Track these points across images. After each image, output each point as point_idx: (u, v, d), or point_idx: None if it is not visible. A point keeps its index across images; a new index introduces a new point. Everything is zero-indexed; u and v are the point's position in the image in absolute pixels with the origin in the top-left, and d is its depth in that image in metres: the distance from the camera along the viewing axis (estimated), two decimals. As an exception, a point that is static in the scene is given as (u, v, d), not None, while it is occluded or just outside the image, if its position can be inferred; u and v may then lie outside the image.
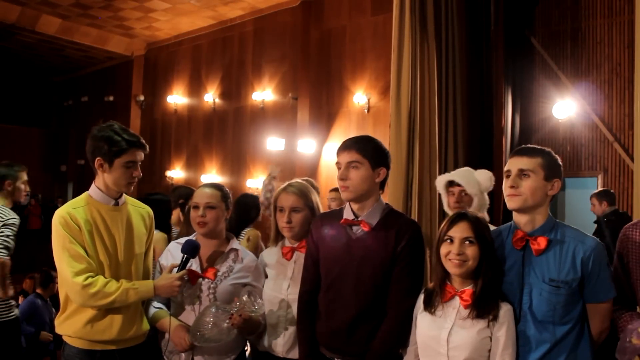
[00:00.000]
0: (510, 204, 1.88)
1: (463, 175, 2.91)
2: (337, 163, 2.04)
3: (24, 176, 3.38)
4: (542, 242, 1.83)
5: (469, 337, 1.77)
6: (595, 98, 6.02)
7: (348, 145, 2.02)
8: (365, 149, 2.00)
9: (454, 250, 1.79)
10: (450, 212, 2.93)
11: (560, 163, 1.92)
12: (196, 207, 2.25)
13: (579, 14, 6.16)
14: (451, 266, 1.80)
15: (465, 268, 1.79)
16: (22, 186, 3.36)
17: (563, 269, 1.80)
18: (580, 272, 1.80)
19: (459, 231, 1.81)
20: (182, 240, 2.27)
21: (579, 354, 1.82)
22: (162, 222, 3.07)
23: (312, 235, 2.15)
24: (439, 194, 4.33)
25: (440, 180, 2.99)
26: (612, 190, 5.46)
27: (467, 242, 1.80)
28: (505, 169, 1.92)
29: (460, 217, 1.84)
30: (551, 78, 6.26)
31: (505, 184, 1.88)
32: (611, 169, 5.91)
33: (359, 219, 2.03)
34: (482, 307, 1.78)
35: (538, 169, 1.85)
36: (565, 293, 1.79)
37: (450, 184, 2.91)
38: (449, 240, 1.81)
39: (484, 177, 2.91)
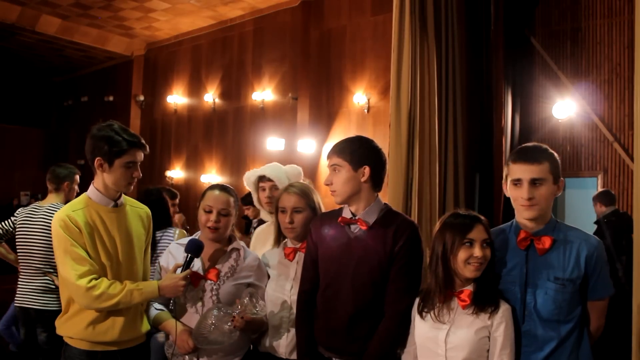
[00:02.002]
0: (528, 213, 1.85)
1: (273, 169, 2.87)
2: None
3: (78, 178, 3.82)
4: (546, 241, 1.84)
5: (467, 338, 1.77)
6: (595, 98, 6.01)
7: (330, 151, 2.07)
8: (343, 152, 2.02)
9: (478, 254, 1.77)
10: (262, 208, 2.89)
11: (558, 158, 1.92)
12: (209, 211, 2.22)
13: (579, 14, 6.15)
14: (472, 270, 1.78)
15: (481, 271, 1.79)
16: (75, 187, 3.80)
17: (567, 267, 1.82)
18: (584, 269, 1.82)
19: (479, 234, 1.79)
20: (183, 241, 2.25)
21: (581, 352, 1.84)
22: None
23: (311, 235, 2.15)
24: (439, 194, 4.34)
25: (251, 176, 2.93)
26: (612, 191, 5.46)
27: (485, 245, 1.79)
28: (513, 176, 1.86)
29: (475, 219, 1.83)
30: (551, 78, 6.25)
31: (518, 194, 1.85)
32: (611, 169, 5.91)
33: (356, 217, 2.04)
34: (482, 304, 1.78)
35: (548, 175, 1.84)
36: (570, 291, 1.81)
37: (261, 179, 2.87)
38: (468, 244, 1.78)
39: (293, 172, 2.89)
